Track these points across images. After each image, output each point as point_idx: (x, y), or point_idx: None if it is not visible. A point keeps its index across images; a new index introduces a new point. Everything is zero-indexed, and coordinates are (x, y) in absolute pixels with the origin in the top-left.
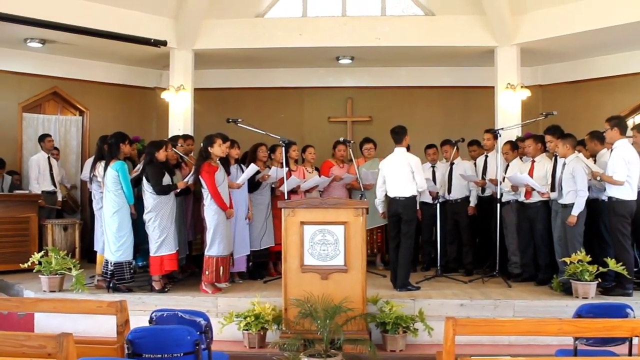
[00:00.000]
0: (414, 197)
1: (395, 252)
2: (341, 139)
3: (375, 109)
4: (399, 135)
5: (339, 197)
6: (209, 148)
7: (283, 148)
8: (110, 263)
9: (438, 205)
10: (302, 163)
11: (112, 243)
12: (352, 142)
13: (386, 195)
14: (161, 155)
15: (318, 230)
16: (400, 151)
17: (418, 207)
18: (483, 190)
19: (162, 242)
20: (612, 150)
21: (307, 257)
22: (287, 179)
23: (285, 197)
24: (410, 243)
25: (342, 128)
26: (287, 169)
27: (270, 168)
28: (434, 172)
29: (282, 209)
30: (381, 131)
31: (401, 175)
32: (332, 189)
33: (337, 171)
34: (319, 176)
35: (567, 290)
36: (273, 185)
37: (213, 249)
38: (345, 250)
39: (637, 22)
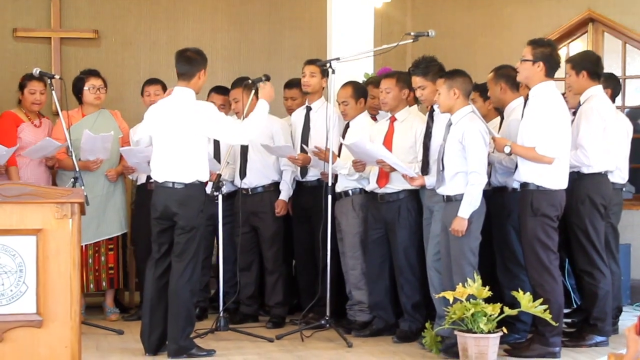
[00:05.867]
0: (199, 186)
1: (155, 286)
2: (36, 71)
3: (104, 17)
4: (193, 65)
5: (28, 183)
6: None
7: None
8: None
9: (221, 197)
10: None
11: None
12: (57, 77)
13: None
14: None
15: None
16: (183, 94)
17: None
18: (304, 172)
19: None
20: (526, 102)
21: None
22: None
23: None
24: (192, 269)
25: (42, 50)
26: None
27: None
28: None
29: None
30: (118, 58)
31: (178, 139)
32: (24, 166)
33: (30, 133)
34: None
35: (449, 350)
36: None
37: None
38: (39, 285)
39: None
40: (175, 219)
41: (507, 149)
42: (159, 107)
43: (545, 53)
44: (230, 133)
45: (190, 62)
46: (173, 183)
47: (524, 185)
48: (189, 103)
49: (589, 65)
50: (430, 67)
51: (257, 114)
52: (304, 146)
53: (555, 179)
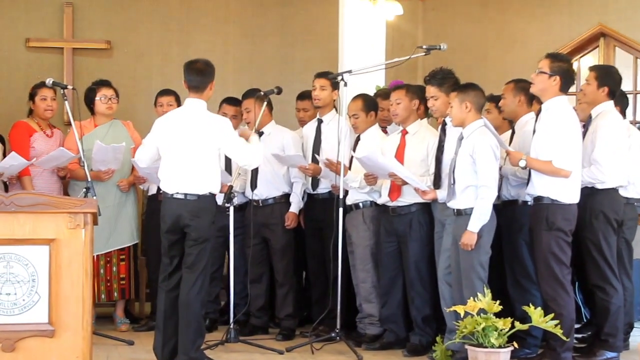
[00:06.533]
0: (211, 197)
1: (168, 298)
2: (49, 81)
3: (117, 28)
4: (205, 77)
5: (41, 193)
6: None
7: None
8: None
9: (232, 209)
10: None
11: None
12: (70, 87)
13: None
14: None
15: None
16: (196, 105)
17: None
18: (315, 184)
19: None
20: (538, 116)
21: None
22: None
23: None
24: (203, 281)
25: (54, 60)
26: None
27: None
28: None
29: None
30: (130, 69)
31: (191, 151)
32: (36, 176)
33: (42, 143)
34: (4, 153)
35: None
36: None
37: None
38: (51, 295)
39: None
40: (187, 231)
41: (522, 163)
42: (169, 119)
43: (563, 68)
44: (241, 154)
45: (202, 73)
46: (185, 194)
47: (537, 199)
48: (202, 114)
49: (613, 84)
50: (446, 79)
51: (256, 143)
52: (316, 155)
53: (570, 193)
